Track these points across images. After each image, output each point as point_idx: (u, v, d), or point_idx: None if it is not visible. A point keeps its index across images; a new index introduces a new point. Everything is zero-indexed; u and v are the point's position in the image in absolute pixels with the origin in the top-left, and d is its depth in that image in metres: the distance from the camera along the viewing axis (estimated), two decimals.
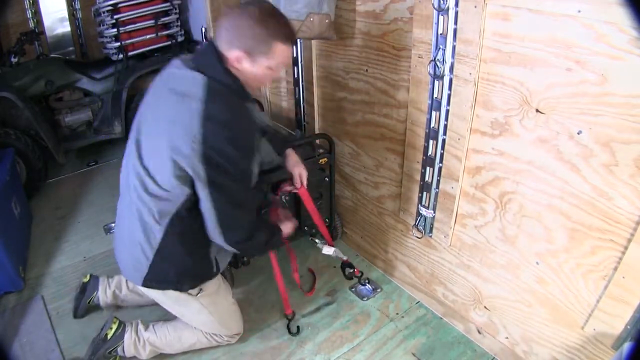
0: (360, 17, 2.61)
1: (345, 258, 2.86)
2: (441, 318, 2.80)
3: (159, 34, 4.67)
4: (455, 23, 2.04)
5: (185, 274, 2.20)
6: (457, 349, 2.61)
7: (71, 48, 5.53)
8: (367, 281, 3.05)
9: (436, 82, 2.23)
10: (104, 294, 2.78)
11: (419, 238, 2.73)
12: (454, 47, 2.09)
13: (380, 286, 3.07)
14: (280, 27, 1.89)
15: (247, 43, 1.86)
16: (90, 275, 2.86)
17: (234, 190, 1.94)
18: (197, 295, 2.32)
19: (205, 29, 4.57)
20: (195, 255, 2.17)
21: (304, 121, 3.44)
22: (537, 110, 1.88)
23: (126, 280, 2.80)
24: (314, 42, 3.01)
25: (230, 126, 1.85)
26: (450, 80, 2.17)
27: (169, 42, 4.81)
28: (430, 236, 2.64)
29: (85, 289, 2.81)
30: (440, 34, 2.11)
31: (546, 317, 2.19)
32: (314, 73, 3.13)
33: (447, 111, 2.24)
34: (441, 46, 2.13)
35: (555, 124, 1.84)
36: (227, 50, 1.89)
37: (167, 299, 2.36)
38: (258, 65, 1.91)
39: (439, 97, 2.25)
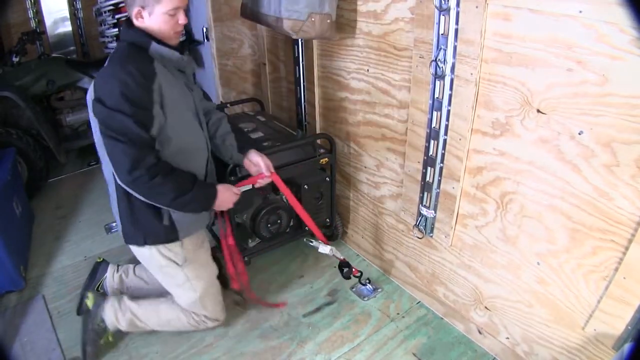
0: (362, 17, 2.61)
1: (342, 257, 2.85)
2: (442, 318, 2.80)
3: None
4: (457, 23, 2.04)
5: (139, 228, 2.26)
6: (458, 349, 2.61)
7: (72, 48, 5.56)
8: (367, 281, 3.05)
9: (437, 82, 2.23)
10: (111, 278, 2.83)
11: (420, 238, 2.73)
12: (455, 47, 2.09)
13: (381, 286, 3.07)
14: None
15: None
16: (103, 259, 2.92)
17: (117, 122, 1.95)
18: (182, 264, 2.39)
19: (207, 28, 4.57)
20: (142, 209, 2.21)
21: (305, 121, 3.44)
22: (538, 111, 1.88)
23: (134, 267, 2.86)
24: (315, 41, 3.02)
25: (112, 67, 2.01)
26: (452, 81, 2.17)
27: None
28: (431, 236, 2.64)
29: (97, 270, 2.85)
30: (442, 34, 2.11)
31: (547, 317, 2.19)
32: (315, 73, 3.13)
33: (448, 111, 2.24)
34: (442, 46, 2.13)
35: (556, 124, 1.84)
36: (131, 12, 2.05)
37: (157, 267, 2.44)
38: (155, 14, 2.03)
39: (440, 97, 2.25)
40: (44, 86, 4.37)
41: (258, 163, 2.49)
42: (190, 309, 2.55)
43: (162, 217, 2.25)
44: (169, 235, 2.30)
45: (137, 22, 2.06)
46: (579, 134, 1.77)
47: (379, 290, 3.03)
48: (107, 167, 2.15)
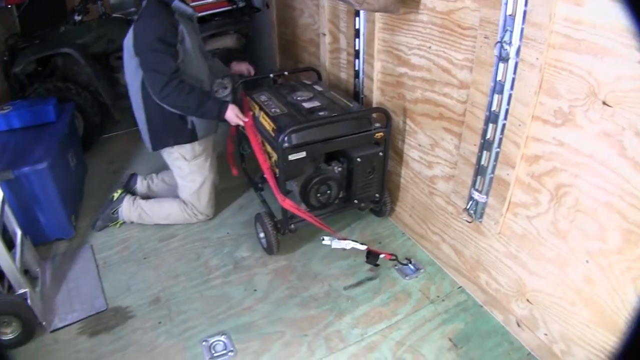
0: None
1: (364, 248, 2.83)
2: (481, 306, 2.76)
3: None
4: (526, 5, 1.96)
5: (170, 132, 3.08)
6: (494, 339, 2.57)
7: (132, 9, 5.62)
8: (410, 260, 3.03)
9: (501, 65, 2.16)
10: (140, 185, 3.60)
11: (469, 222, 2.69)
12: (522, 30, 2.01)
13: (423, 267, 3.04)
14: None
15: None
16: (135, 172, 3.69)
17: (155, 57, 2.76)
18: (189, 160, 3.22)
19: None
20: (174, 117, 3.00)
21: (361, 94, 3.41)
22: (604, 103, 1.80)
23: (156, 174, 3.66)
24: (377, 14, 2.96)
25: (147, 20, 2.80)
26: (516, 64, 2.10)
27: (230, 7, 4.81)
28: (480, 222, 2.59)
29: (130, 180, 3.60)
30: (509, 15, 2.04)
31: (589, 318, 2.12)
32: (375, 46, 3.09)
33: (510, 95, 2.17)
34: (509, 28, 2.06)
35: (622, 118, 1.75)
36: None
37: (172, 160, 3.25)
38: None
39: (503, 80, 2.18)
40: (103, 45, 4.49)
41: (240, 70, 3.55)
42: (188, 200, 3.35)
43: (187, 123, 3.07)
44: (192, 135, 3.12)
45: None
46: None
47: (421, 270, 3.01)
48: (135, 95, 3.00)
